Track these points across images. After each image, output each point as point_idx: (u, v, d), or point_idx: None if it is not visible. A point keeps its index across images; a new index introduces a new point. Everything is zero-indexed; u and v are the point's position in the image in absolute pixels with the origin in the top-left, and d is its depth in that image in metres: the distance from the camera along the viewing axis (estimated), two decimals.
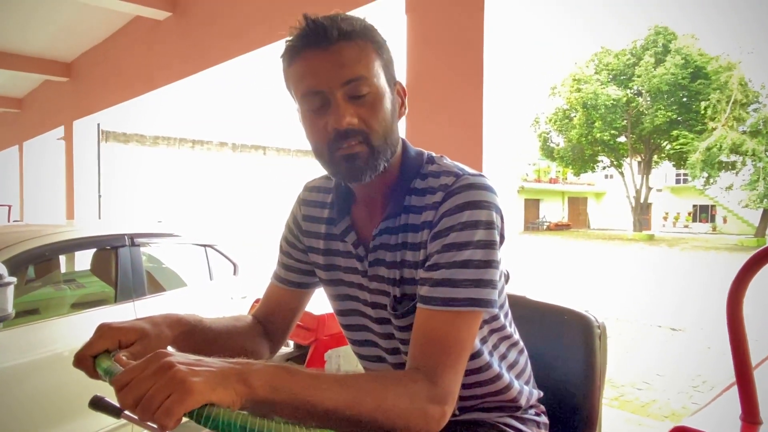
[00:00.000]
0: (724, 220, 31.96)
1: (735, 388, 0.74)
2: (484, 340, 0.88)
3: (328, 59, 0.76)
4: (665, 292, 9.61)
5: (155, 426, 0.53)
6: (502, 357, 0.92)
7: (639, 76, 25.40)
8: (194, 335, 0.83)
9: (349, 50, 0.76)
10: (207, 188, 15.44)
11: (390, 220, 0.85)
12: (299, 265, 0.99)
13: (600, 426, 0.98)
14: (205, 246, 3.26)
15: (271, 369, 0.60)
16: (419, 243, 0.82)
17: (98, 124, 6.66)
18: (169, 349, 0.77)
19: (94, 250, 2.97)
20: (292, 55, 0.79)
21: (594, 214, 37.80)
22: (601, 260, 15.75)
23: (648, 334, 6.42)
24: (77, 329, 2.41)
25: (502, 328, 0.91)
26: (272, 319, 0.99)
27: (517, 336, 0.95)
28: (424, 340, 0.74)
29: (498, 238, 0.78)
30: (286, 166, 17.60)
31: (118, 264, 2.66)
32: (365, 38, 0.78)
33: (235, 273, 3.38)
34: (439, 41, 2.40)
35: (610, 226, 35.23)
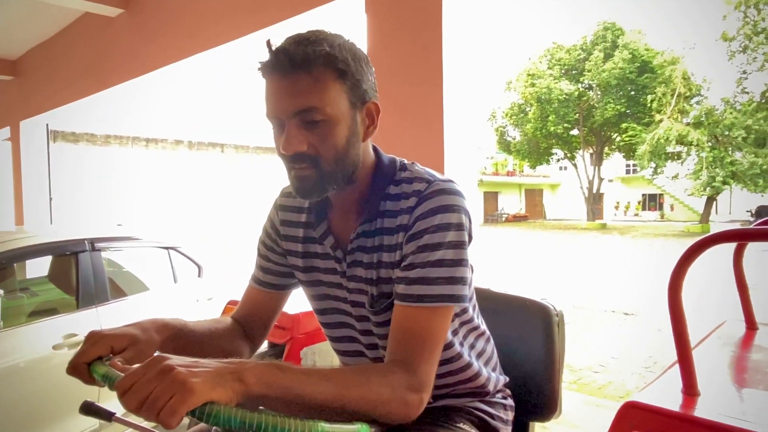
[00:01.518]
0: (672, 208, 33.52)
1: (676, 366, 0.83)
2: (455, 332, 0.95)
3: (283, 88, 0.80)
4: (618, 278, 10.04)
5: (147, 428, 0.57)
6: (471, 346, 0.99)
7: (589, 71, 26.25)
8: (180, 339, 0.86)
9: (303, 81, 0.79)
10: (164, 188, 15.03)
11: (366, 224, 0.90)
12: (277, 268, 1.03)
13: (560, 407, 1.06)
14: (168, 248, 3.21)
15: (263, 366, 0.65)
16: (395, 245, 0.87)
17: (47, 125, 6.38)
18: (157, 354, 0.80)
19: (50, 257, 2.90)
20: (262, 74, 0.83)
21: (549, 205, 38.89)
22: (558, 249, 16.25)
23: (602, 319, 6.70)
24: (37, 338, 2.35)
25: (471, 320, 0.98)
26: (251, 320, 1.03)
27: (483, 326, 1.02)
28: (402, 335, 0.80)
29: (467, 239, 0.85)
30: (245, 164, 17.30)
31: (78, 270, 2.60)
32: (326, 65, 0.79)
33: (199, 275, 3.35)
34: (399, 39, 2.43)
35: (565, 217, 36.33)
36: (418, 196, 0.85)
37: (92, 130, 14.23)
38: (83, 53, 5.04)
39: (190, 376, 0.58)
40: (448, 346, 0.93)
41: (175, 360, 0.61)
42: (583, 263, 12.66)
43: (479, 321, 1.01)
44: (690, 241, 0.84)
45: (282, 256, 1.03)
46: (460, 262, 0.83)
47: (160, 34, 4.14)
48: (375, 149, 0.94)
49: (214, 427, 0.66)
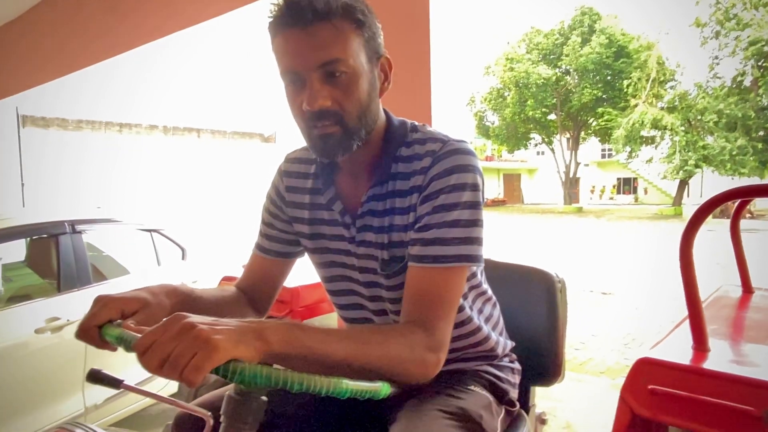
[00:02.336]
0: (645, 192, 34.23)
1: (684, 324, 0.85)
2: (465, 296, 0.94)
3: (304, 40, 0.76)
4: (595, 259, 10.24)
5: (154, 393, 0.55)
6: (480, 311, 0.99)
7: (567, 56, 26.47)
8: (188, 304, 0.84)
9: (324, 32, 0.76)
10: (140, 174, 14.72)
11: (377, 187, 0.88)
12: (282, 235, 1.01)
13: (564, 371, 1.08)
14: (151, 231, 3.15)
15: (284, 325, 0.64)
16: (408, 207, 0.86)
17: (16, 108, 6.17)
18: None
19: (25, 241, 2.81)
20: (272, 31, 0.80)
21: (527, 189, 39.32)
22: (536, 233, 16.49)
23: (582, 298, 6.84)
24: (18, 323, 2.29)
25: (479, 284, 0.98)
26: (256, 288, 1.02)
27: (490, 292, 1.03)
28: (418, 296, 0.79)
29: (481, 199, 0.84)
30: (222, 148, 17.04)
31: (59, 252, 2.53)
32: (343, 17, 0.77)
33: (183, 258, 3.29)
34: (386, 24, 2.40)
35: (542, 201, 36.81)
36: (432, 156, 0.84)
37: (63, 115, 13.80)
38: (53, 33, 4.85)
39: (212, 333, 0.57)
40: (459, 309, 0.92)
41: (196, 318, 0.59)
42: (561, 245, 12.88)
43: (486, 286, 1.01)
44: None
45: (287, 224, 1.01)
46: (476, 223, 0.82)
47: (135, 12, 4.00)
48: (385, 111, 0.92)
49: (232, 387, 0.65)
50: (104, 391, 2.55)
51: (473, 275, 0.95)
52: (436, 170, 0.83)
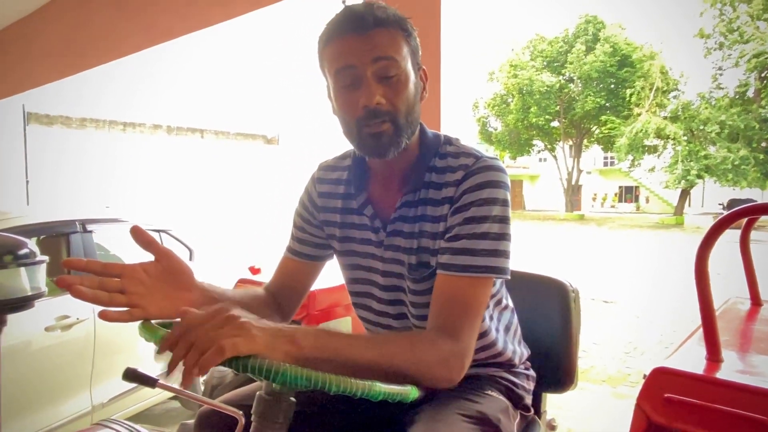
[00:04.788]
0: (647, 200, 34.26)
1: (696, 335, 0.88)
2: (486, 307, 0.97)
3: (362, 41, 0.84)
4: (597, 267, 10.26)
5: (187, 392, 0.57)
6: (499, 320, 1.02)
7: (571, 63, 26.52)
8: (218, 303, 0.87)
9: (381, 36, 0.84)
10: (144, 173, 14.75)
11: (410, 195, 0.92)
12: (313, 239, 1.05)
13: (577, 379, 1.10)
14: (159, 231, 3.18)
15: (315, 330, 0.67)
16: (439, 216, 0.90)
17: (23, 105, 6.21)
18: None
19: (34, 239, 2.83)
20: (329, 37, 0.87)
21: (529, 196, 39.37)
22: (537, 240, 16.51)
23: (584, 306, 6.78)
24: (29, 320, 2.31)
25: (499, 294, 1.01)
26: (285, 291, 1.05)
27: (509, 300, 1.06)
28: (445, 303, 0.82)
29: (510, 215, 0.88)
30: (225, 149, 17.08)
31: (70, 251, 2.56)
32: (396, 26, 0.86)
33: (191, 258, 3.32)
34: None
35: (543, 208, 36.83)
36: (465, 170, 0.88)
37: (67, 113, 13.84)
38: (62, 31, 4.88)
39: (253, 326, 0.61)
40: (485, 330, 0.96)
41: (239, 311, 0.63)
42: (562, 253, 12.89)
43: (506, 295, 1.05)
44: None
45: (318, 228, 1.05)
46: (504, 236, 0.85)
47: (144, 13, 4.03)
48: (419, 123, 0.96)
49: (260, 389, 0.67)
50: (110, 390, 2.58)
51: (493, 284, 0.98)
52: (468, 184, 0.87)
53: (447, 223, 0.88)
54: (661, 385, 0.78)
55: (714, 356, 0.82)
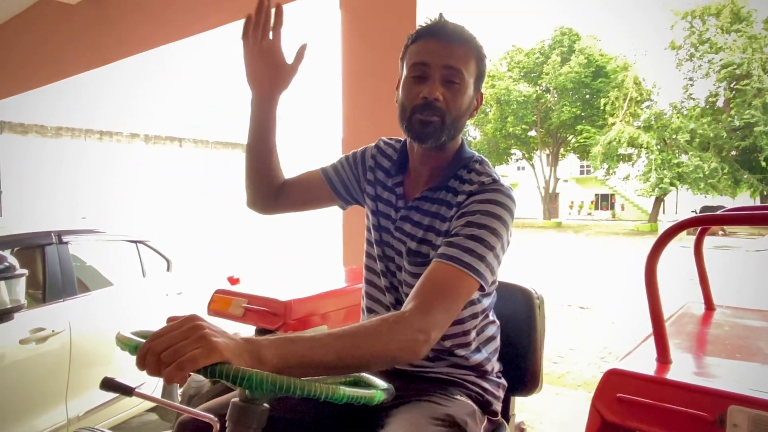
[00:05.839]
0: (622, 208, 34.93)
1: (650, 338, 0.93)
2: (474, 316, 1.07)
3: (441, 48, 0.99)
4: (573, 274, 10.43)
5: (165, 401, 0.60)
6: (483, 330, 1.10)
7: (547, 74, 27.02)
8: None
9: (458, 50, 1.00)
10: (121, 183, 14.52)
11: (431, 191, 1.06)
12: (343, 178, 1.19)
13: (542, 381, 1.15)
14: (136, 242, 3.16)
15: (276, 341, 0.70)
16: (449, 217, 1.02)
17: None
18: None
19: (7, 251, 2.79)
20: (419, 35, 1.02)
21: None
22: (516, 247, 16.67)
23: (560, 312, 6.97)
24: (2, 333, 2.28)
25: (489, 309, 1.11)
26: (293, 186, 1.19)
27: (495, 320, 1.14)
28: (426, 283, 0.88)
29: (507, 236, 0.97)
30: (204, 159, 16.91)
31: (45, 263, 2.53)
32: (473, 49, 1.01)
33: (168, 269, 3.30)
34: (373, 37, 2.46)
35: (522, 215, 37.21)
36: (481, 186, 1.00)
37: (42, 122, 13.59)
38: (39, 41, 4.83)
39: (215, 336, 0.63)
40: (465, 328, 1.05)
41: (204, 322, 0.65)
42: (540, 260, 13.07)
43: (493, 314, 1.14)
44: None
45: (354, 178, 1.19)
46: (494, 250, 0.93)
47: (124, 23, 4.02)
48: (462, 139, 1.09)
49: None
50: (86, 402, 2.55)
51: (486, 295, 1.07)
52: (478, 196, 0.99)
53: (450, 224, 0.99)
54: (613, 385, 0.83)
55: (663, 358, 0.88)
